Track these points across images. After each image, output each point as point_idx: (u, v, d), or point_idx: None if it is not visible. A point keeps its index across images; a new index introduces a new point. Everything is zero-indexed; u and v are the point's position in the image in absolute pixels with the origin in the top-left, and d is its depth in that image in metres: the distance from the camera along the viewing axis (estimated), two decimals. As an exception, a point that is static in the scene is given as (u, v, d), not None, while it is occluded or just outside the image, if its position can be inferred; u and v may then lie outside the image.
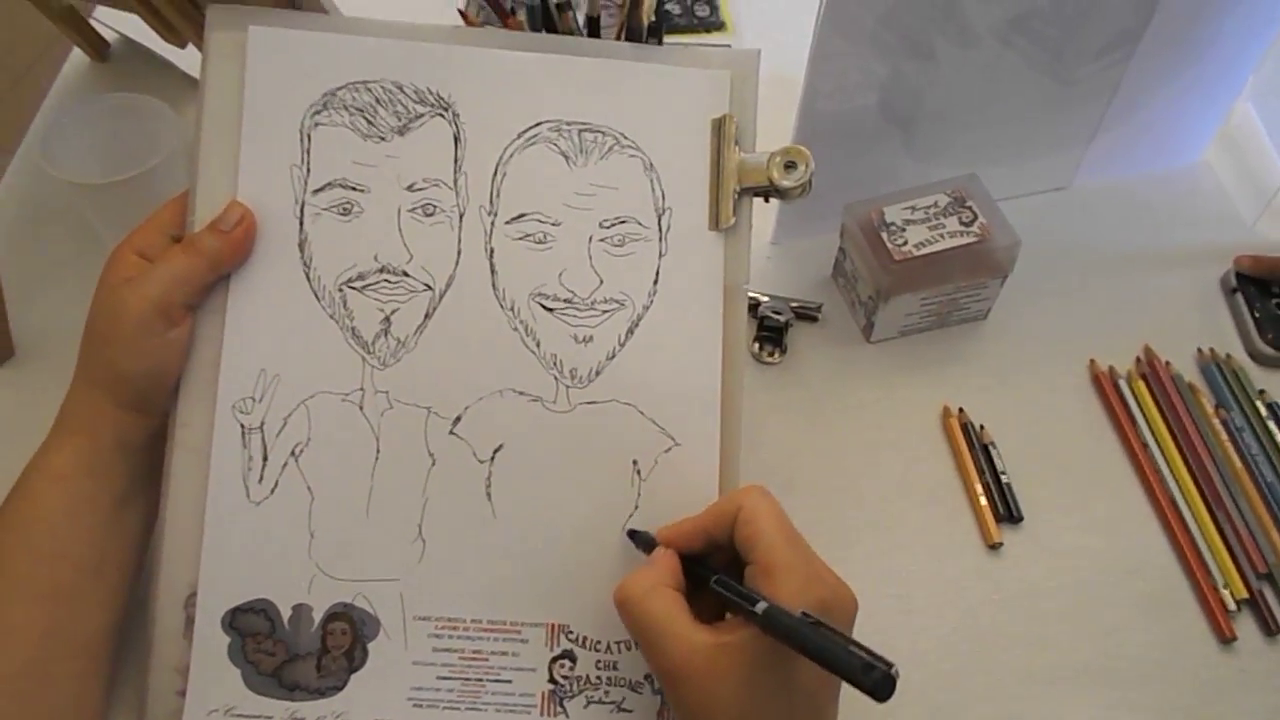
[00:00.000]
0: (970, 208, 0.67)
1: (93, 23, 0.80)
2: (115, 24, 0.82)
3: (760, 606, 0.42)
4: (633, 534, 0.51)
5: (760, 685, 0.42)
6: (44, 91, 0.82)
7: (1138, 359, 0.70)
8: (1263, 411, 0.66)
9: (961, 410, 0.66)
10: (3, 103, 1.79)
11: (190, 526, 0.50)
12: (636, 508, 0.52)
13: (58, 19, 0.76)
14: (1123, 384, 0.68)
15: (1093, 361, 0.69)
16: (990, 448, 0.64)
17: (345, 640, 0.51)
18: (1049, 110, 0.73)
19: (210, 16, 0.52)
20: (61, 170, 0.60)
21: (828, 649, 0.39)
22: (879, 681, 0.37)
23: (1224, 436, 0.65)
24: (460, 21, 0.74)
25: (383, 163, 0.52)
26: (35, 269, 0.69)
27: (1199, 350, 0.70)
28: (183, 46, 0.73)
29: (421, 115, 0.52)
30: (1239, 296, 0.72)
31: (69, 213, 0.71)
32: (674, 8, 0.95)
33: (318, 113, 0.52)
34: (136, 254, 0.51)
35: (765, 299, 0.70)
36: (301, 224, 0.52)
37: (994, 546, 0.61)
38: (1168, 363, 0.68)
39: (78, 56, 0.83)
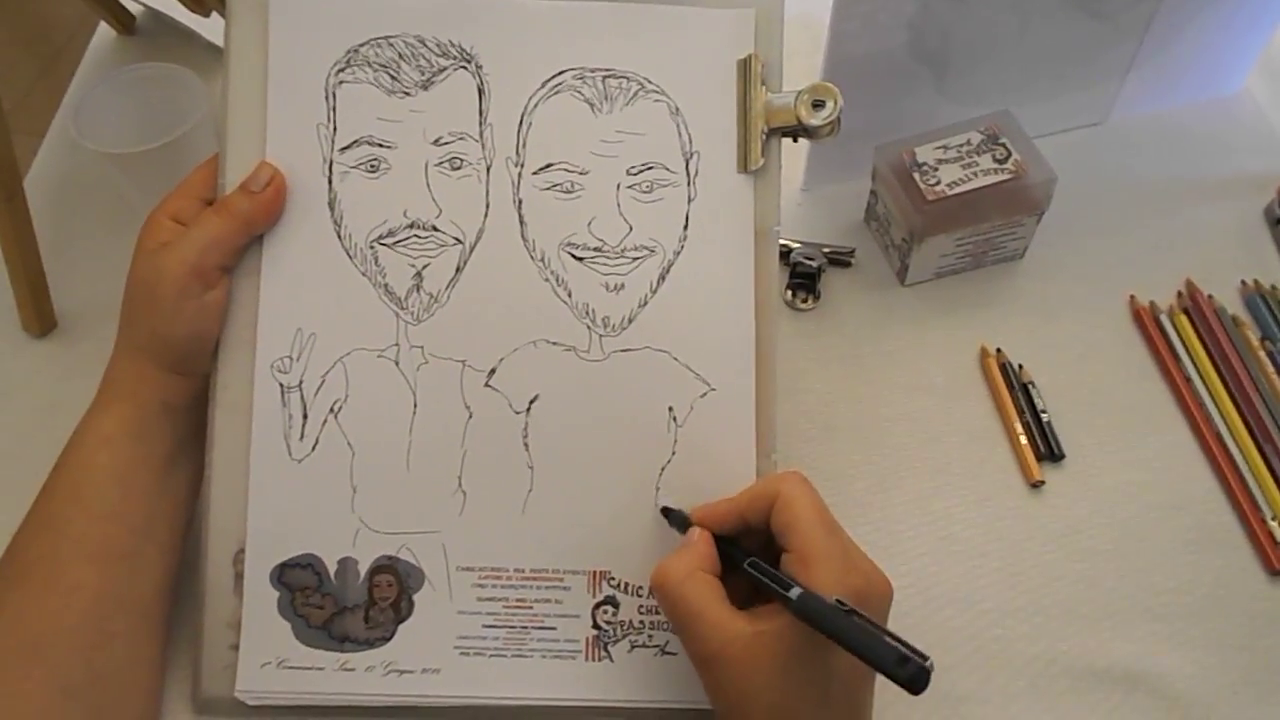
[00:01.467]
0: (1004, 144, 0.66)
1: (118, -4, 0.81)
2: (140, -3, 0.82)
3: (794, 592, 0.42)
4: (666, 511, 0.51)
5: (796, 673, 0.43)
6: (74, 71, 0.83)
7: (1179, 293, 0.68)
8: (1310, 342, 0.65)
9: (1000, 350, 0.66)
10: (36, 87, 1.81)
11: (235, 485, 0.51)
12: (674, 454, 0.52)
13: (83, -7, 0.77)
14: (1164, 319, 0.67)
15: (1133, 297, 0.68)
16: (1030, 387, 0.64)
17: (391, 592, 0.52)
18: (1083, 44, 0.72)
19: (232, -21, 0.52)
20: (94, 142, 0.61)
21: (862, 639, 0.39)
22: (914, 675, 0.37)
23: (1270, 368, 0.63)
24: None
25: (408, 118, 0.52)
26: (73, 242, 0.70)
27: (1242, 282, 0.68)
28: (207, 15, 0.73)
29: (445, 69, 0.52)
30: (1283, 226, 0.71)
31: (103, 184, 0.72)
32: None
33: (341, 70, 0.52)
34: (171, 219, 0.51)
35: (797, 245, 0.69)
36: (330, 183, 0.52)
37: (1036, 485, 0.61)
38: (1210, 296, 0.67)
39: (105, 31, 0.83)
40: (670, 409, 0.52)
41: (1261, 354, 0.64)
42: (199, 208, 0.52)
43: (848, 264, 0.70)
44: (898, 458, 0.62)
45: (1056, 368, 0.65)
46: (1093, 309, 0.68)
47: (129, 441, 0.50)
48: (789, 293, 0.69)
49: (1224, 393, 0.63)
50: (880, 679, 0.40)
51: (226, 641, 0.52)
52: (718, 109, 0.53)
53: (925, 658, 0.38)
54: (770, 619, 0.43)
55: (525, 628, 0.52)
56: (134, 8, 0.83)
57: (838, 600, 0.41)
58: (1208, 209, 0.73)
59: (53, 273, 0.66)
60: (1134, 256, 0.70)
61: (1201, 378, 0.64)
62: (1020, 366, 0.65)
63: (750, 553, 0.46)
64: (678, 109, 0.53)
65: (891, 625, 0.41)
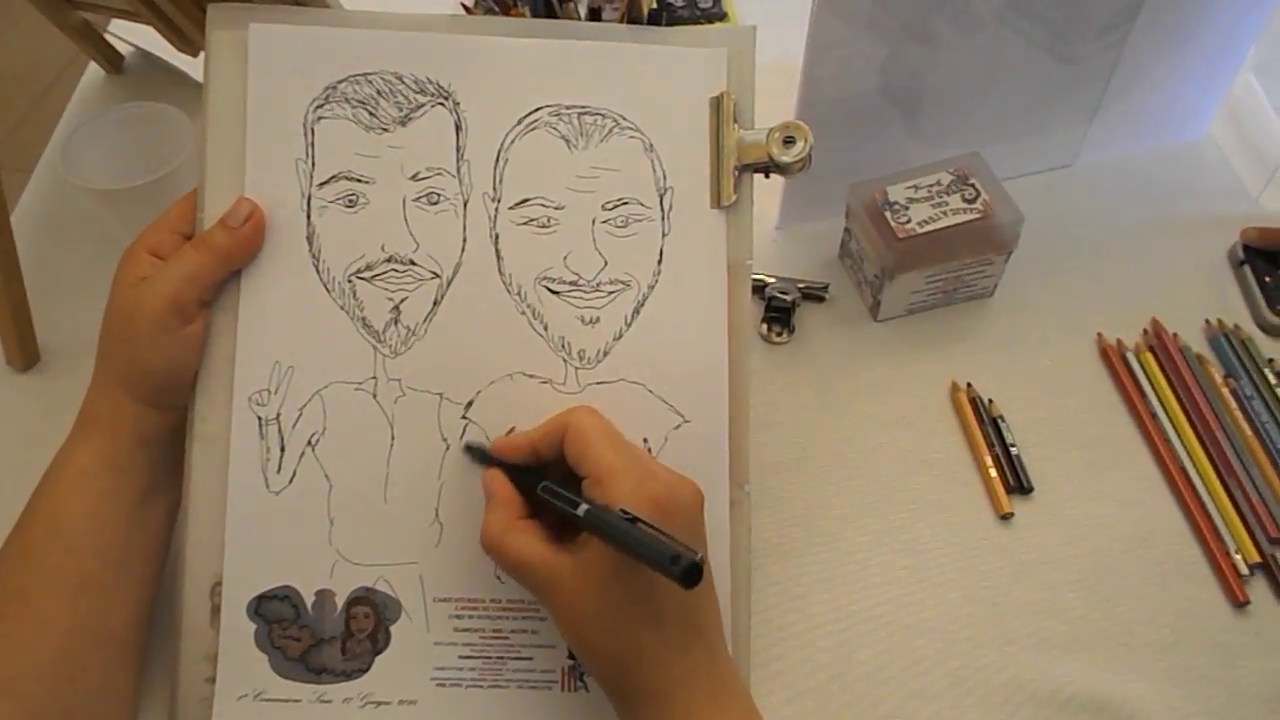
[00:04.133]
0: (973, 185, 0.67)
1: (107, 36, 0.82)
2: (129, 37, 0.84)
3: (581, 509, 0.44)
4: (469, 448, 0.52)
5: (618, 592, 0.44)
6: (63, 108, 0.84)
7: (1145, 331, 0.70)
8: (1272, 380, 0.66)
9: (970, 385, 0.67)
10: (24, 124, 1.82)
11: (213, 517, 0.52)
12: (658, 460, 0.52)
13: (72, 34, 0.78)
14: (1130, 356, 0.68)
15: (1100, 335, 0.69)
16: (1000, 420, 0.65)
17: (368, 623, 0.52)
18: (1050, 89, 0.74)
19: (211, 15, 0.53)
20: (81, 178, 0.62)
21: (635, 540, 0.41)
22: (686, 569, 0.39)
23: (1233, 405, 0.65)
24: (463, 13, 0.75)
25: (386, 153, 0.53)
26: (58, 277, 0.71)
27: (1206, 322, 0.70)
28: (195, 55, 0.75)
29: (422, 105, 0.53)
30: (1246, 268, 0.72)
31: (90, 221, 0.72)
32: (677, 0, 0.96)
33: (320, 106, 0.53)
34: (149, 253, 0.52)
35: (773, 280, 0.71)
36: (309, 217, 0.53)
37: (1005, 517, 0.61)
38: (1175, 334, 0.69)
39: (94, 70, 0.85)
40: (645, 440, 0.53)
41: (1225, 391, 0.65)
42: (178, 242, 0.52)
43: (822, 299, 0.72)
44: (870, 489, 0.63)
45: (1026, 402, 0.66)
46: (1061, 346, 0.69)
47: (105, 474, 0.51)
48: (764, 326, 0.70)
49: (1189, 429, 0.64)
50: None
51: (203, 674, 0.52)
52: (691, 146, 0.54)
53: (696, 553, 0.40)
54: (588, 545, 0.45)
55: (501, 658, 0.52)
56: (123, 47, 0.84)
57: (622, 510, 0.43)
58: (1173, 250, 0.75)
59: (37, 307, 0.66)
60: (1101, 295, 0.72)
61: (1167, 414, 0.65)
62: (990, 401, 0.66)
63: (553, 483, 0.48)
64: (652, 145, 0.54)
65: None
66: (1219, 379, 0.66)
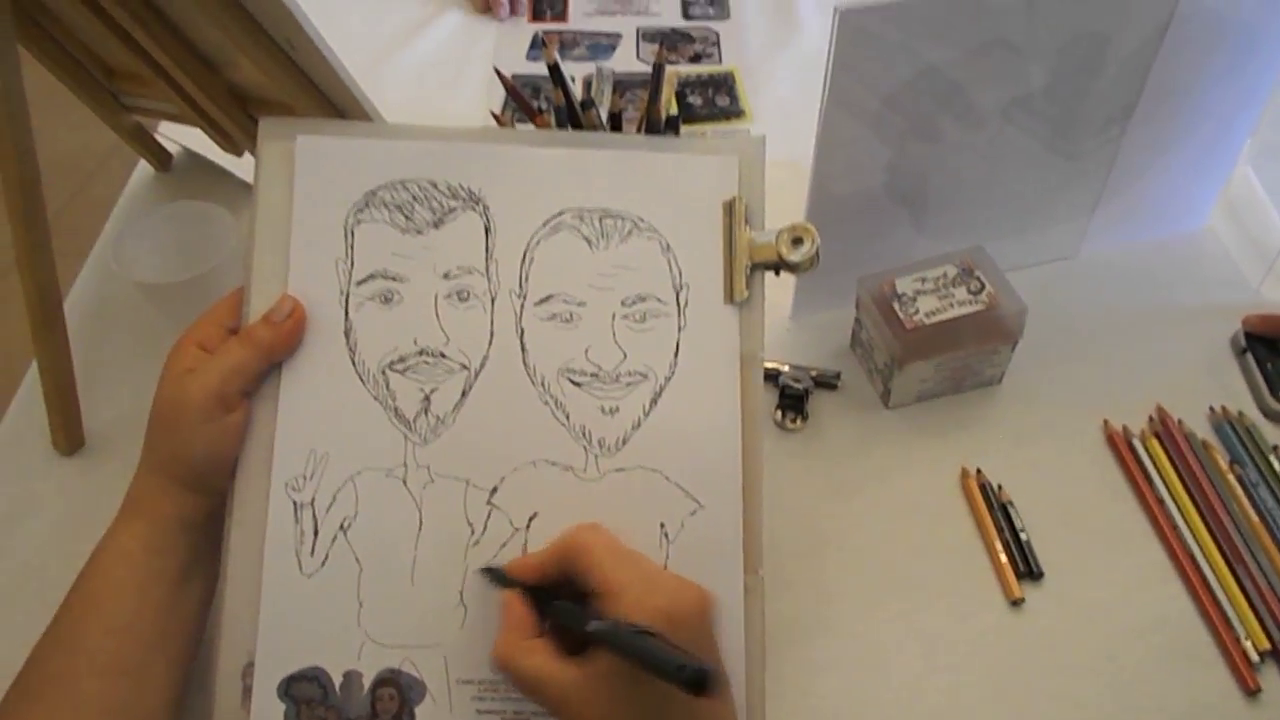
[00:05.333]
0: (978, 277, 0.70)
1: (157, 137, 0.87)
2: (177, 137, 0.89)
3: (591, 625, 0.45)
4: (486, 571, 0.54)
5: (628, 703, 0.45)
6: (106, 199, 0.88)
7: (1150, 418, 0.72)
8: (1276, 466, 0.67)
9: (979, 471, 0.69)
10: (68, 209, 1.89)
11: (247, 599, 0.54)
12: (665, 569, 0.54)
13: (125, 134, 0.83)
14: (1136, 443, 0.70)
15: (1106, 422, 0.71)
16: (1009, 506, 0.66)
17: (393, 705, 0.54)
18: (1052, 184, 0.77)
19: (263, 127, 0.57)
20: (131, 272, 0.66)
21: (642, 650, 0.42)
22: (691, 677, 0.40)
23: (1239, 492, 0.66)
24: (493, 123, 0.79)
25: (420, 254, 0.56)
26: (104, 364, 0.74)
27: (1211, 409, 0.72)
28: (240, 155, 0.79)
29: (455, 209, 0.57)
30: (1249, 355, 0.74)
31: (137, 311, 0.76)
32: (696, 99, 1.00)
33: (360, 211, 0.57)
34: (197, 345, 0.55)
35: (786, 369, 0.73)
36: (347, 313, 0.56)
37: (1016, 602, 0.63)
38: (1180, 421, 0.70)
39: (143, 167, 0.89)
40: (662, 525, 0.55)
41: (1231, 478, 0.67)
42: (224, 336, 0.55)
43: (834, 387, 0.74)
44: (881, 574, 0.64)
45: (1035, 488, 0.68)
46: (1068, 432, 0.71)
47: (147, 556, 0.53)
48: (778, 413, 0.72)
49: (1195, 515, 0.66)
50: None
51: (234, 754, 0.53)
52: (705, 246, 0.57)
53: (703, 664, 0.41)
54: (597, 659, 0.46)
55: (522, 739, 0.53)
56: (171, 146, 0.89)
57: (629, 623, 0.44)
58: (1176, 338, 0.77)
59: (83, 393, 0.70)
60: (1107, 382, 0.74)
61: (1174, 500, 0.67)
62: (999, 487, 0.68)
63: (569, 603, 0.49)
64: (669, 246, 0.57)
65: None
66: (1224, 465, 0.68)
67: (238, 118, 0.71)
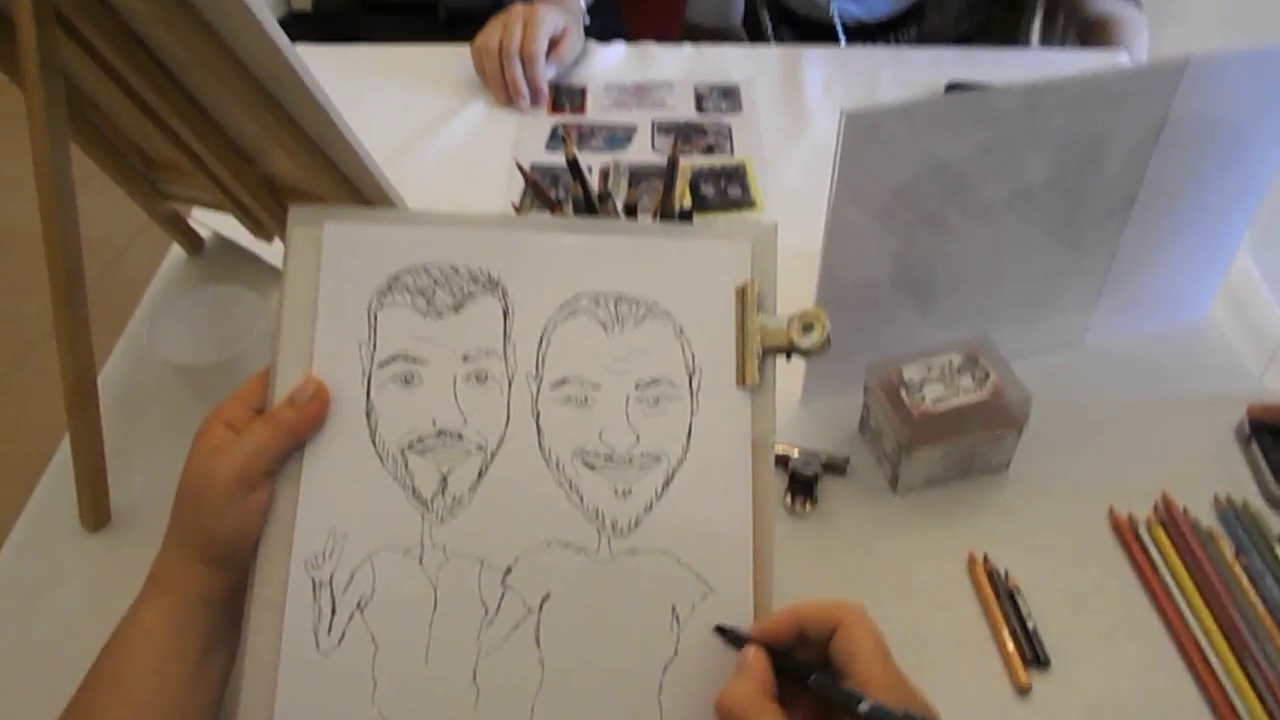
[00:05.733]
0: (983, 366, 0.72)
1: (190, 222, 0.91)
2: (209, 223, 0.92)
3: (864, 706, 0.45)
4: (720, 629, 0.54)
5: None
6: (136, 276, 0.91)
7: (1156, 506, 0.72)
8: (1283, 555, 0.68)
9: (987, 557, 0.69)
10: (96, 287, 1.94)
11: (266, 676, 0.54)
12: (676, 653, 0.55)
13: (161, 220, 0.86)
14: (1143, 530, 0.70)
15: (1112, 509, 0.72)
16: (1016, 593, 0.67)
17: (405, 783, 0.54)
18: (1056, 274, 0.79)
19: (292, 214, 0.60)
20: (164, 354, 0.68)
21: None
22: None
23: (1245, 582, 0.67)
24: (513, 213, 0.82)
25: (440, 337, 0.58)
26: (134, 442, 0.76)
27: (1216, 497, 0.73)
28: (269, 241, 0.82)
29: (474, 293, 0.59)
30: (1253, 444, 0.75)
31: (167, 391, 0.78)
32: (709, 190, 1.04)
33: (383, 294, 0.59)
34: (224, 425, 0.56)
35: (795, 453, 0.74)
36: (368, 394, 0.58)
37: (1023, 691, 0.63)
38: (1186, 510, 0.71)
39: (176, 250, 0.93)
40: (673, 608, 0.55)
41: (1237, 567, 0.67)
42: (250, 416, 0.57)
43: (843, 471, 0.75)
44: (891, 660, 0.64)
45: (1042, 575, 0.68)
46: (1075, 519, 0.72)
47: (169, 633, 0.54)
48: (788, 497, 0.73)
49: (1202, 604, 0.66)
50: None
51: (248, 830, 0.53)
52: (718, 330, 0.59)
53: None
54: None
55: (533, 820, 0.54)
56: (203, 231, 0.92)
57: (906, 713, 0.44)
58: (1181, 426, 0.78)
59: (112, 470, 0.71)
60: (1112, 470, 0.75)
61: (1180, 589, 0.67)
62: (1006, 573, 0.68)
63: (809, 667, 0.49)
64: (682, 330, 0.59)
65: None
66: (1230, 555, 0.68)
67: (269, 206, 0.75)
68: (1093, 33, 1.28)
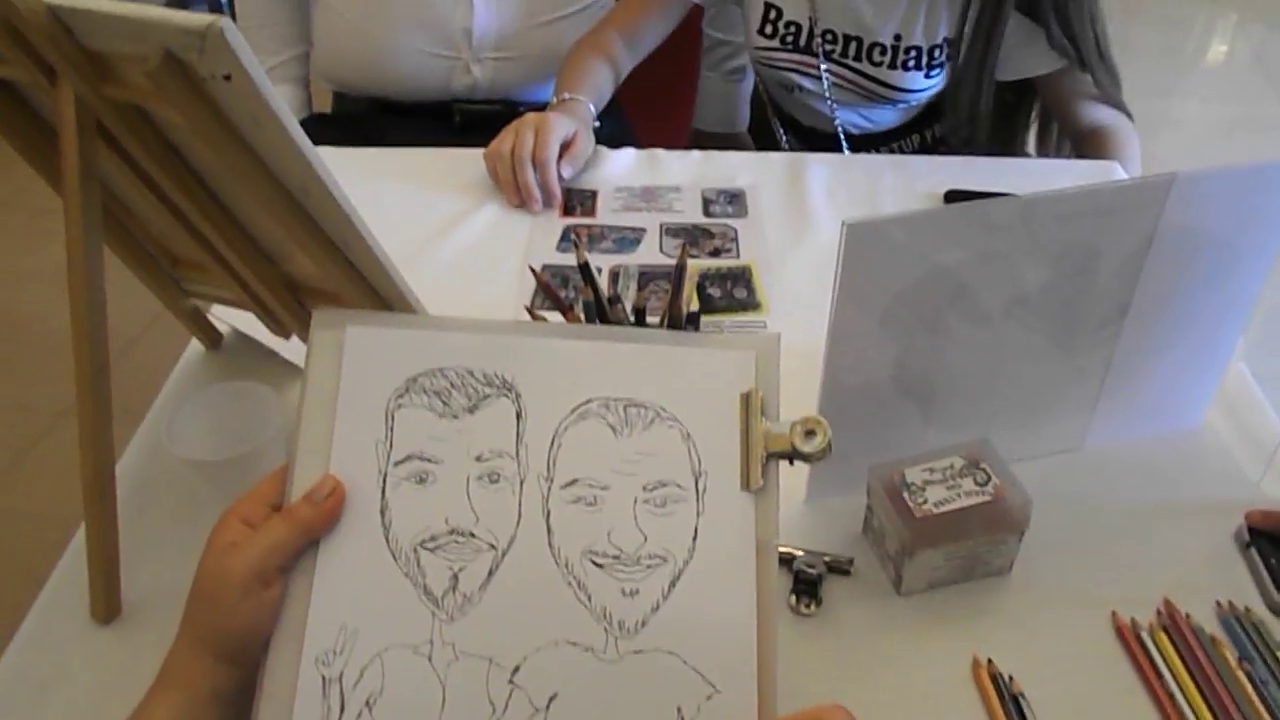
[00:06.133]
0: (984, 469, 0.73)
1: (210, 318, 0.93)
2: (228, 318, 0.95)
3: None
4: None
5: None
6: (148, 364, 0.93)
7: (1158, 611, 0.73)
8: (1286, 663, 0.68)
9: (991, 661, 0.70)
10: (112, 372, 1.98)
11: (274, 771, 0.55)
12: None
13: (184, 316, 0.89)
14: (1145, 636, 0.71)
15: (1114, 614, 0.73)
16: (1020, 698, 0.67)
17: None
18: (1054, 379, 0.81)
19: (316, 318, 0.62)
20: (181, 449, 0.70)
21: None
22: None
23: (1249, 690, 0.67)
24: (526, 316, 0.85)
25: (454, 437, 0.60)
26: (147, 534, 0.77)
27: (1218, 603, 0.73)
28: (287, 338, 0.85)
29: (489, 396, 0.61)
30: (1253, 551, 0.76)
31: (183, 484, 0.80)
32: (715, 291, 1.06)
33: (401, 396, 0.61)
34: (241, 521, 0.58)
35: (800, 554, 0.75)
36: (383, 492, 0.59)
37: (1030, 798, 0.63)
38: (1188, 615, 0.72)
39: (195, 345, 0.95)
40: (679, 709, 0.56)
41: (1240, 674, 0.68)
42: (267, 513, 0.58)
43: (847, 572, 0.76)
44: (896, 765, 0.64)
45: (1045, 679, 0.68)
46: (1078, 623, 0.72)
47: (178, 728, 0.55)
48: (793, 598, 0.74)
49: (1206, 710, 0.66)
50: None
51: None
52: (723, 435, 0.60)
53: None
54: None
55: None
56: (221, 326, 0.95)
57: None
58: (1180, 531, 0.79)
59: (124, 562, 0.72)
60: (1114, 574, 0.75)
61: (1184, 695, 0.67)
62: (1011, 677, 0.69)
63: None
64: (688, 434, 0.60)
65: None
66: (1233, 661, 0.69)
67: (289, 304, 0.77)
68: (1086, 143, 1.32)
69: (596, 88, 1.32)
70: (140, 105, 0.62)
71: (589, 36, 1.39)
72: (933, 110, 1.41)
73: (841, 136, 1.41)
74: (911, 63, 1.31)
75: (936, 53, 1.30)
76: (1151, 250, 0.74)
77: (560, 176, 1.19)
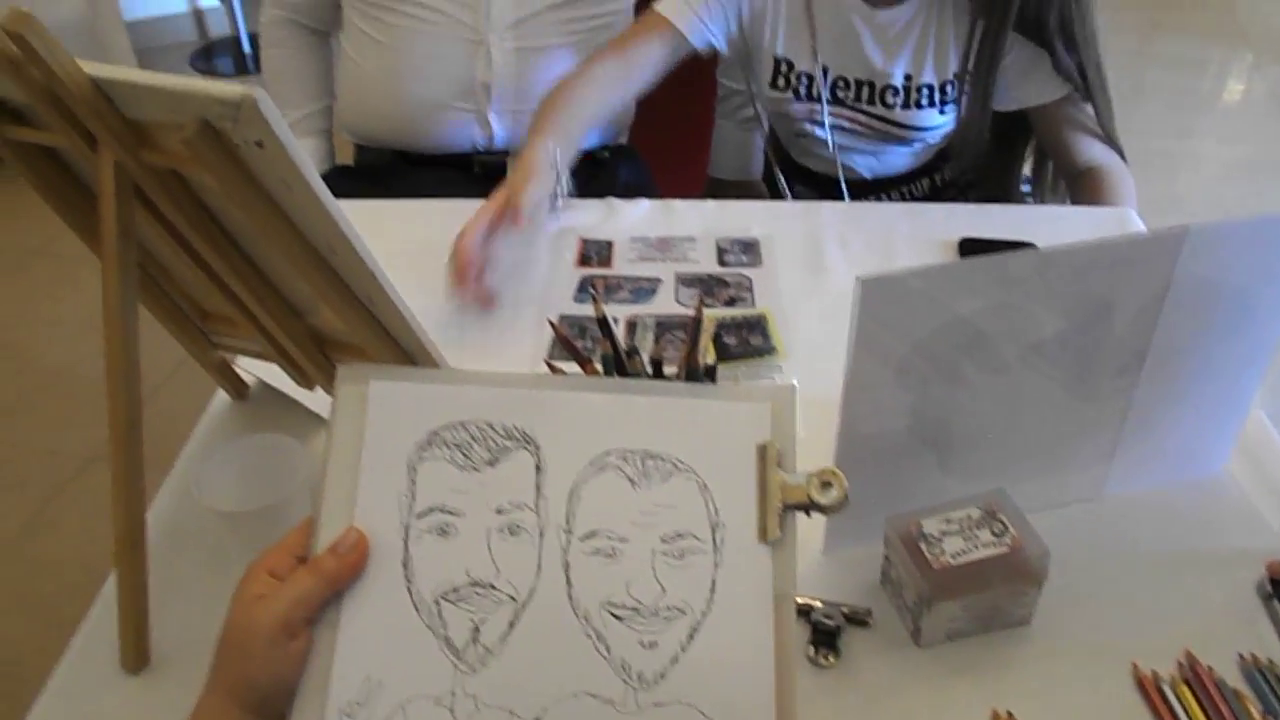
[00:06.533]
0: (1001, 520, 0.73)
1: (236, 369, 0.95)
2: (254, 370, 0.97)
3: None
4: None
5: None
6: (172, 411, 0.94)
7: (1179, 663, 0.72)
8: (1311, 716, 0.68)
9: (1010, 714, 0.69)
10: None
11: (297, 825, 0.56)
12: None
13: (212, 369, 0.91)
14: (1167, 689, 0.70)
15: (1135, 665, 0.72)
16: (1041, 751, 0.67)
17: None
18: (1072, 428, 0.81)
19: (341, 372, 0.64)
20: (209, 501, 0.71)
21: None
22: None
23: (1274, 741, 0.66)
24: (545, 369, 0.86)
25: (475, 490, 0.61)
26: (175, 584, 0.78)
27: (1240, 656, 0.73)
28: (311, 390, 0.86)
29: (509, 449, 0.62)
30: (1275, 602, 0.76)
31: (208, 534, 0.81)
32: (731, 339, 1.07)
33: (423, 449, 0.62)
34: (268, 573, 0.59)
35: (818, 605, 0.75)
36: (406, 545, 0.60)
37: None
38: (1210, 667, 0.71)
39: (221, 395, 0.97)
40: (698, 761, 0.56)
41: (1264, 727, 0.67)
42: (293, 564, 0.59)
43: (865, 623, 0.76)
44: (916, 819, 0.64)
45: (1067, 732, 0.68)
46: (1098, 675, 0.72)
47: (204, 779, 0.55)
48: (811, 649, 0.74)
49: (1230, 765, 0.66)
50: None
51: None
52: (740, 487, 0.61)
53: None
54: None
55: None
56: (248, 378, 0.97)
57: None
58: (1201, 582, 0.78)
59: (151, 612, 0.73)
60: (1135, 625, 0.75)
61: (1208, 749, 0.67)
62: (1031, 730, 0.68)
63: None
64: (706, 486, 0.61)
65: None
66: (1258, 715, 0.68)
67: (315, 357, 0.79)
68: (1082, 182, 1.34)
69: (562, 125, 1.26)
70: (176, 169, 0.64)
71: (570, 73, 1.35)
72: (941, 155, 1.42)
73: (842, 180, 1.43)
74: (925, 100, 1.33)
75: (949, 88, 1.33)
76: (1167, 300, 0.75)
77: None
